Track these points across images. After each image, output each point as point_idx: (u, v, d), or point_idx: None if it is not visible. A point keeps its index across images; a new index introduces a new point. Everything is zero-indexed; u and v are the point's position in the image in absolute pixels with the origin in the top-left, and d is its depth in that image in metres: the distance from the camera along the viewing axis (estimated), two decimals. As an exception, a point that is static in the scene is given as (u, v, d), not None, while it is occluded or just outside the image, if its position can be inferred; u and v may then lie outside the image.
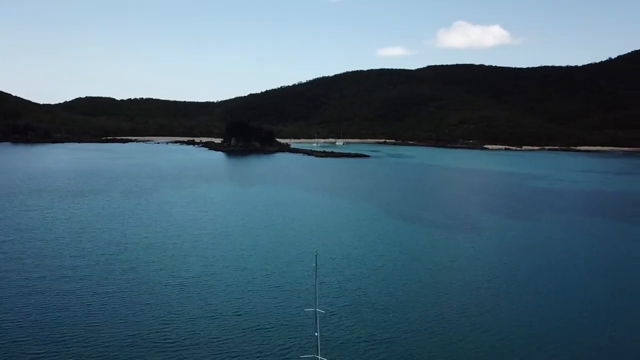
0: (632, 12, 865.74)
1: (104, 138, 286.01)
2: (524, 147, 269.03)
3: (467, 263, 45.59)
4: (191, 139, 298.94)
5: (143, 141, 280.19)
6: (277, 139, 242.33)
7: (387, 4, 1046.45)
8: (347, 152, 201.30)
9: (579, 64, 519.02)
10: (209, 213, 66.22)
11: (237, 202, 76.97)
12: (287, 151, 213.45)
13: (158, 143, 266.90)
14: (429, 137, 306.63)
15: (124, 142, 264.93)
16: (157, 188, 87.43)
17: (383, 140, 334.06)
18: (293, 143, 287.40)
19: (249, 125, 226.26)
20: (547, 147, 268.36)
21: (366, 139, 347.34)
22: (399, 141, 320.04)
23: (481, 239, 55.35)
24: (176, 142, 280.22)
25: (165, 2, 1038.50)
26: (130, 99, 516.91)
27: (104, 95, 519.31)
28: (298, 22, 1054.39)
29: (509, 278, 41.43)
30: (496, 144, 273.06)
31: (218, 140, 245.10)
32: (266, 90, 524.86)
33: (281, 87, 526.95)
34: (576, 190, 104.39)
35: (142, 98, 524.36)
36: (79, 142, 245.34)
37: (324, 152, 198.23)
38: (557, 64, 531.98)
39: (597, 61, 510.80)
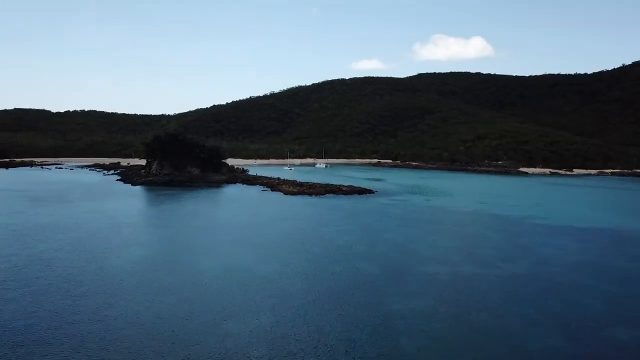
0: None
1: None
2: (576, 171, 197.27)
3: None
4: (117, 161, 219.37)
5: (44, 165, 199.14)
6: (228, 162, 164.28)
7: (359, 17, 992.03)
8: (337, 183, 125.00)
9: (588, 72, 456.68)
10: None
11: None
12: (240, 181, 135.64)
13: (61, 168, 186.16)
14: (439, 157, 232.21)
15: (8, 168, 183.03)
16: None
17: (376, 160, 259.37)
18: (258, 166, 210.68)
19: (184, 142, 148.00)
20: (609, 171, 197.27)
21: (354, 158, 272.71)
22: (399, 162, 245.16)
23: None
24: (93, 165, 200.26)
25: (121, 2, 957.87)
26: (68, 111, 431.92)
27: (37, 107, 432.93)
28: (269, 31, 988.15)
29: None
30: (535, 167, 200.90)
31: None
32: (232, 101, 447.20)
33: (250, 97, 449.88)
34: None
35: (83, 110, 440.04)
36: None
37: (299, 184, 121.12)
38: (562, 72, 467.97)
39: (609, 68, 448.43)
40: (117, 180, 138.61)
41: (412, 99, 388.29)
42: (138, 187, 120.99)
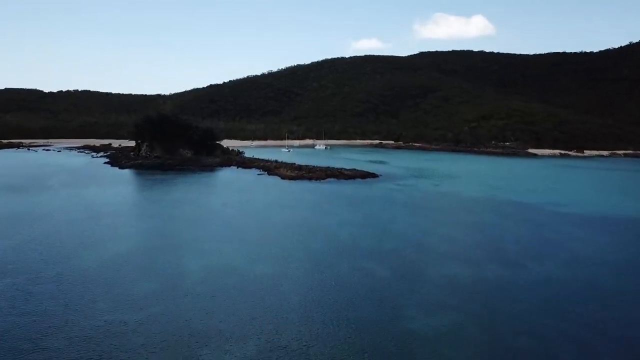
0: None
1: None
2: (587, 153, 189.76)
3: None
4: (109, 142, 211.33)
5: (32, 147, 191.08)
6: (225, 144, 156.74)
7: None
8: (338, 167, 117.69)
9: (594, 50, 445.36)
10: None
11: None
12: (235, 164, 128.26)
13: (48, 150, 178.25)
14: (443, 137, 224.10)
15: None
16: None
17: (378, 141, 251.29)
18: (255, 147, 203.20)
19: (176, 122, 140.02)
20: (621, 153, 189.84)
21: (354, 139, 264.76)
22: (402, 143, 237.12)
23: None
24: (83, 147, 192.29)
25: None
26: (61, 91, 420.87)
27: (29, 87, 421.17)
28: (268, 10, 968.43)
29: None
30: (545, 148, 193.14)
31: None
32: (229, 81, 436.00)
33: (247, 77, 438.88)
34: None
35: (77, 90, 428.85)
36: None
37: (298, 168, 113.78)
38: (567, 50, 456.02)
39: (616, 46, 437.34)
40: (105, 163, 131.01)
41: (413, 78, 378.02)
42: (126, 171, 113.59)
